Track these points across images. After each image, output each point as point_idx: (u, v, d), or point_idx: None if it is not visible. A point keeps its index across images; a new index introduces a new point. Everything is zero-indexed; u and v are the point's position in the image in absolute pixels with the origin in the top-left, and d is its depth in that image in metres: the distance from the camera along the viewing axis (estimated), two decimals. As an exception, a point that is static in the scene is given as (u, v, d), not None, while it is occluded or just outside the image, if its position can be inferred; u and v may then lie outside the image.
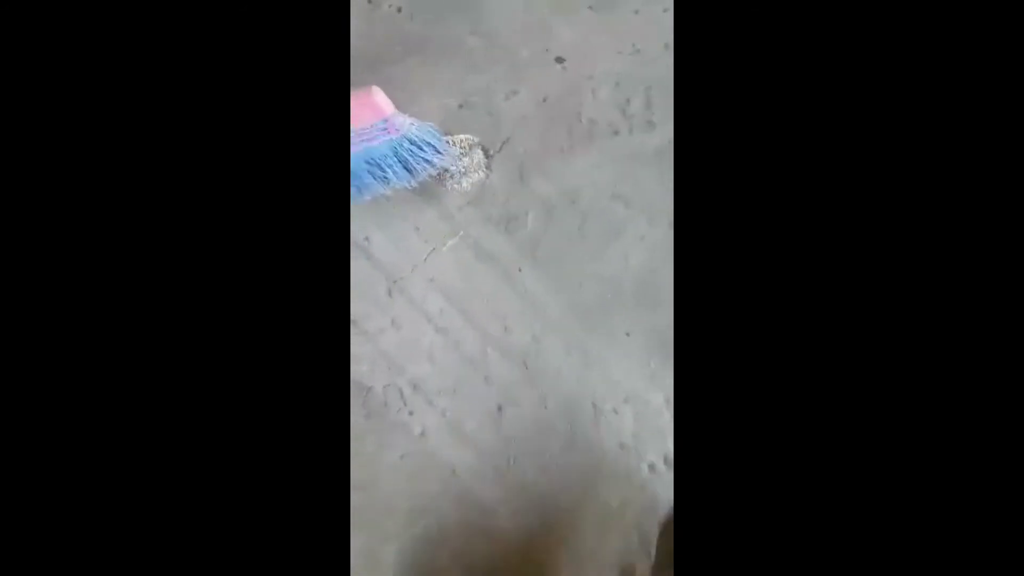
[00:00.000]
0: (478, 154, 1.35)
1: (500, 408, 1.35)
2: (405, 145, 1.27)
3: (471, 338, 1.38)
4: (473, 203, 1.43)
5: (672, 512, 0.93)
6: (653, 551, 1.09)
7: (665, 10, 1.48)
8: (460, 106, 1.46)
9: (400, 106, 1.41)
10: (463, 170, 1.34)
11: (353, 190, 1.31)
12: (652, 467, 1.27)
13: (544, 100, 1.47)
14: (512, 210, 1.43)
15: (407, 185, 1.33)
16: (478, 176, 1.36)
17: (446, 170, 1.34)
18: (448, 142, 1.34)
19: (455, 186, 1.36)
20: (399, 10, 1.51)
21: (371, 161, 1.27)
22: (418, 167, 1.30)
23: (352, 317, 1.38)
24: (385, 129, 1.24)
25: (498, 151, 1.45)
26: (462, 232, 1.42)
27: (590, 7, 1.50)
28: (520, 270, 1.41)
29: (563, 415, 1.33)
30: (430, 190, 1.43)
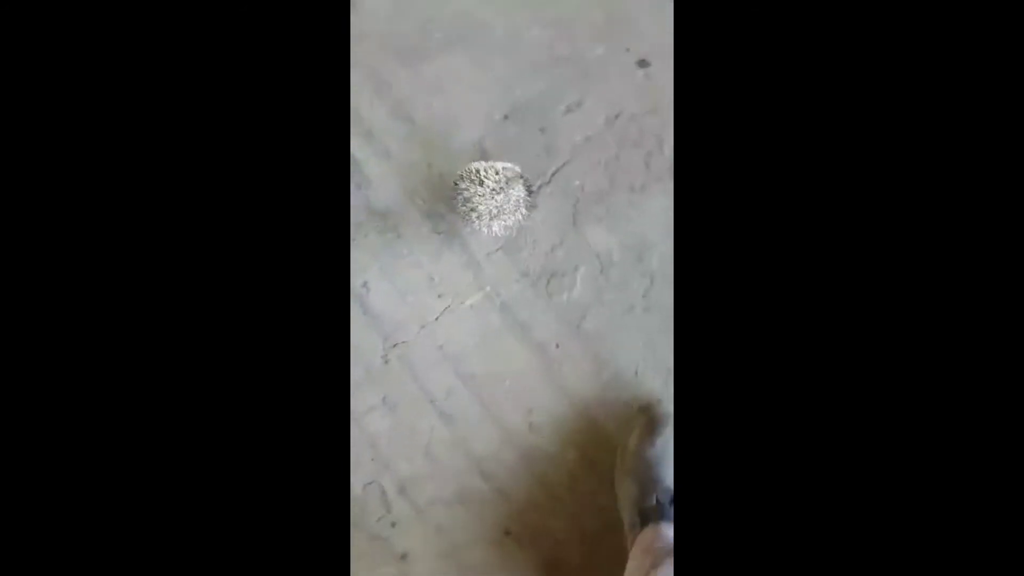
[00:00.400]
0: (517, 189, 1.00)
1: (508, 533, 1.01)
2: None
3: (485, 433, 1.04)
4: (506, 250, 1.08)
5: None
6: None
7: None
8: (505, 117, 1.11)
9: (429, 109, 1.08)
10: (494, 211, 1.00)
11: None
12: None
13: (616, 117, 1.10)
14: (557, 264, 1.07)
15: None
16: (514, 218, 1.02)
17: (472, 208, 1.00)
18: (478, 172, 1.00)
19: (483, 228, 1.02)
20: (440, -13, 1.17)
21: None
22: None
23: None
24: None
25: (546, 182, 1.09)
26: (488, 288, 1.08)
27: (692, -6, 1.11)
28: (558, 346, 1.05)
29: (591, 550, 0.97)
30: (453, 228, 1.09)
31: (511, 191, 1.00)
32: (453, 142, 1.11)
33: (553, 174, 1.10)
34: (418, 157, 1.11)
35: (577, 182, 1.09)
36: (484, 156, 1.09)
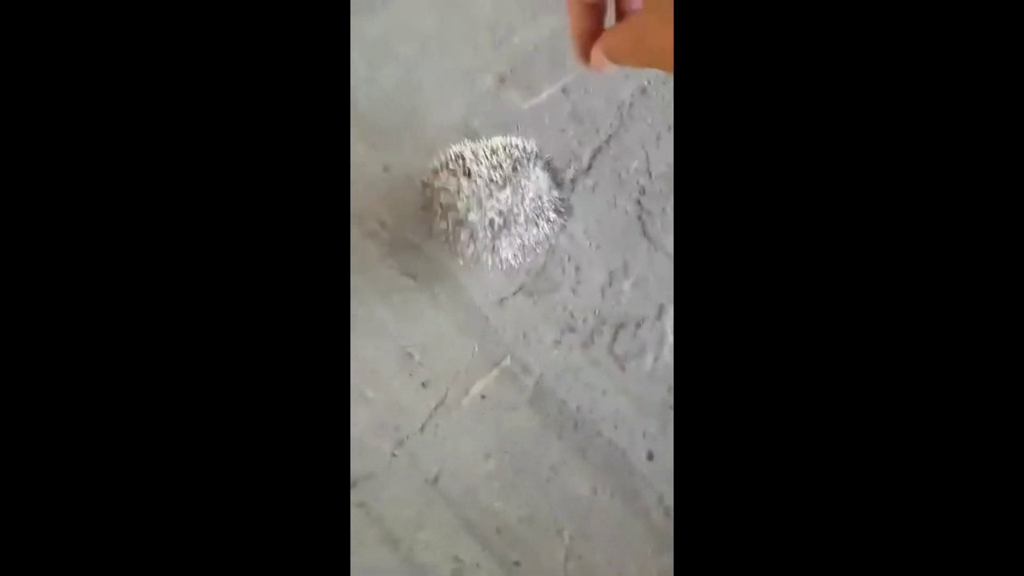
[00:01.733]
0: (535, 175, 0.55)
1: None
2: None
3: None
4: (531, 290, 0.62)
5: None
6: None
7: None
8: (501, 80, 0.67)
9: (382, 78, 0.65)
10: (498, 218, 0.55)
11: None
12: None
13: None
14: (625, 306, 0.61)
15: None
16: (537, 229, 0.56)
17: (457, 221, 0.55)
18: (462, 158, 0.55)
19: (483, 255, 0.56)
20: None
21: None
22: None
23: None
24: None
25: (584, 170, 0.64)
26: (508, 360, 0.61)
27: None
28: (651, 458, 0.58)
29: None
30: (436, 267, 0.63)
31: (524, 179, 0.55)
32: (423, 126, 0.67)
33: (594, 155, 0.64)
34: (366, 157, 0.67)
35: (637, 163, 0.64)
36: (473, 139, 0.64)
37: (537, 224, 0.56)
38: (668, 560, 0.56)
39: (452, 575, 0.57)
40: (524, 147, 0.57)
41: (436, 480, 0.59)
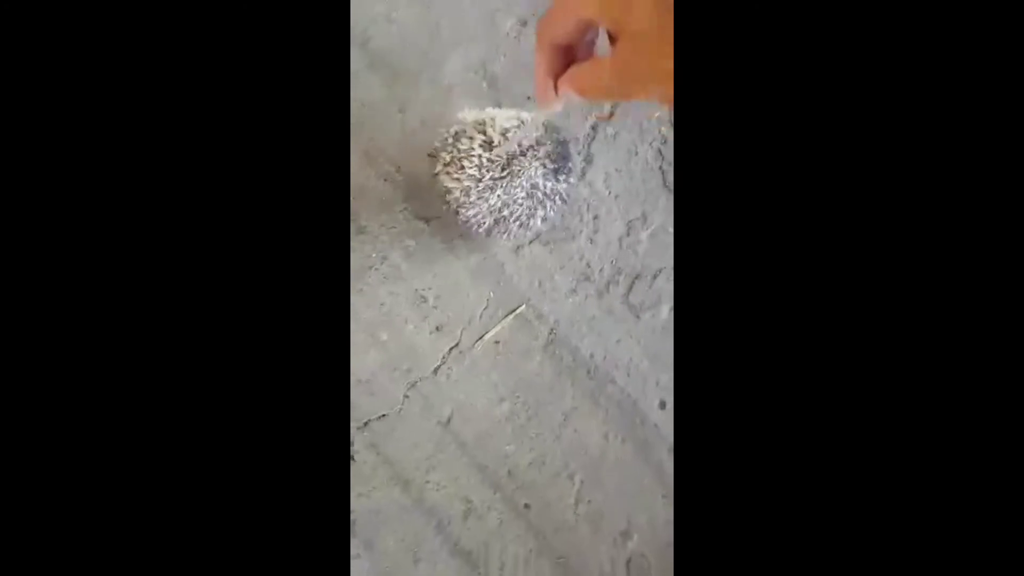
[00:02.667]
0: (530, 170, 0.54)
1: None
2: None
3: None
4: (548, 239, 0.62)
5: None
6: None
7: None
8: (523, 24, 0.66)
9: (401, 18, 0.64)
10: (495, 209, 0.54)
11: None
12: None
13: None
14: (641, 257, 0.61)
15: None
16: (541, 213, 0.55)
17: (462, 205, 0.55)
18: (456, 144, 0.55)
19: (487, 230, 0.56)
20: None
21: None
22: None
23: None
24: None
25: (605, 119, 0.63)
26: (523, 306, 0.61)
27: None
28: (663, 406, 0.58)
29: None
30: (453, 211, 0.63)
31: (517, 178, 0.54)
32: (440, 68, 0.65)
33: (616, 103, 0.63)
34: (381, 96, 0.65)
35: (659, 112, 0.63)
36: (492, 84, 0.63)
37: (537, 210, 0.55)
38: (677, 506, 0.57)
39: (462, 517, 0.57)
40: (527, 133, 0.54)
41: (448, 423, 0.59)
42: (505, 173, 0.53)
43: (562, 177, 0.56)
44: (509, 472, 0.58)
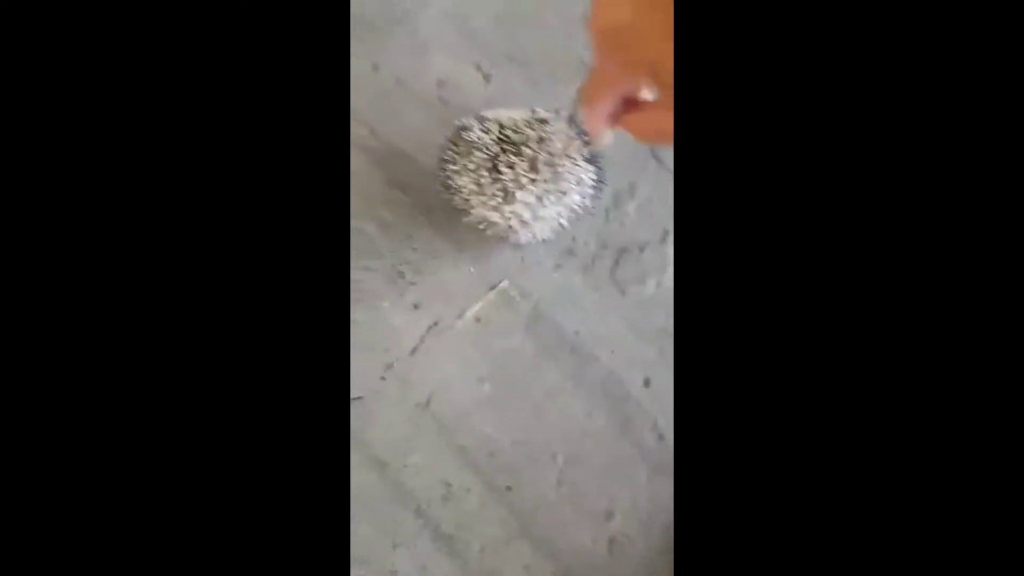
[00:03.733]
0: (559, 136, 0.51)
1: None
2: None
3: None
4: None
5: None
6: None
7: None
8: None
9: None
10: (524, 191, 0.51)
11: None
12: None
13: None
14: (629, 231, 0.58)
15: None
16: (561, 205, 0.53)
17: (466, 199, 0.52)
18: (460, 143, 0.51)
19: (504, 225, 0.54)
20: None
21: None
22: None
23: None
24: None
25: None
26: (505, 282, 0.58)
27: None
28: (647, 383, 0.57)
29: None
30: (432, 176, 0.58)
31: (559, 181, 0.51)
32: (416, 20, 0.60)
33: (605, 65, 0.60)
34: (353, 52, 0.60)
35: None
36: (472, 40, 0.58)
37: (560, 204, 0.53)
38: (660, 486, 0.56)
39: (441, 500, 0.56)
40: (561, 139, 0.51)
41: (427, 404, 0.56)
42: (548, 181, 0.52)
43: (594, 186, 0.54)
44: (490, 453, 0.56)
